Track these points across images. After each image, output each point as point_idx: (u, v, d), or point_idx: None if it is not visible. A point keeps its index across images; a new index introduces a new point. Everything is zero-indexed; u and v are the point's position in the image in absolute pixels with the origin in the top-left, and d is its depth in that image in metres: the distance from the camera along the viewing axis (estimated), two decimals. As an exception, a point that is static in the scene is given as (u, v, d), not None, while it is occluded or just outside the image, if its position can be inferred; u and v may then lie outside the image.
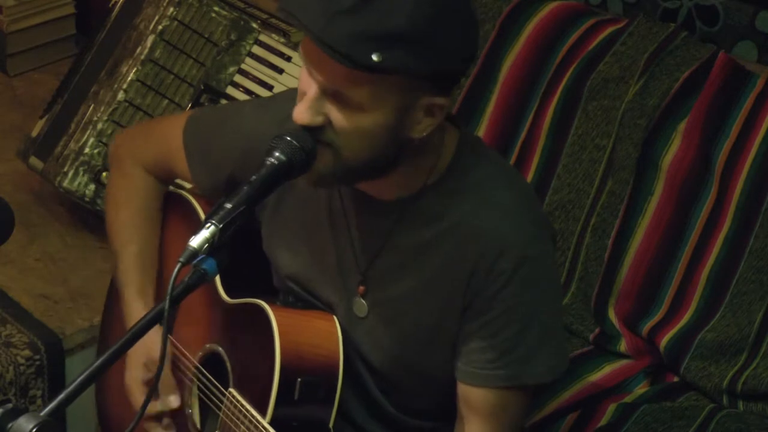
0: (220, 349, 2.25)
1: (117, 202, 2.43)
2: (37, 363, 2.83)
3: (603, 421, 2.62)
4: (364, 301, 2.17)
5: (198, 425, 2.29)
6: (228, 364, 2.22)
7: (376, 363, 2.20)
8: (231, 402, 2.16)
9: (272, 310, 2.17)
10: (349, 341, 2.19)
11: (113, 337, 2.46)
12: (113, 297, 2.49)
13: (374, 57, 1.86)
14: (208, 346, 2.28)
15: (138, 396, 2.31)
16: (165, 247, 2.43)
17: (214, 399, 2.23)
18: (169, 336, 2.32)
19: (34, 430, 1.67)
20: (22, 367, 2.81)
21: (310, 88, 1.96)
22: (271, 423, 2.09)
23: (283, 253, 2.27)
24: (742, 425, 2.57)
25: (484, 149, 2.17)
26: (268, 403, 2.11)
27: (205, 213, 2.34)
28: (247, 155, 2.20)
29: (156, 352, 2.24)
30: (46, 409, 1.73)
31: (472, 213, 2.08)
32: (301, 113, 1.96)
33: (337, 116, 1.95)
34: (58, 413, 1.75)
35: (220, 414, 2.18)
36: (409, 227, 2.12)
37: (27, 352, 2.82)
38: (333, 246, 2.19)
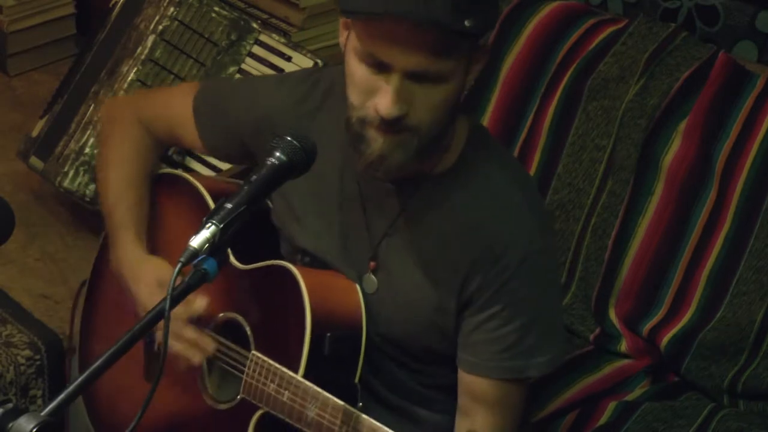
0: (237, 315, 2.26)
1: (113, 161, 2.42)
2: (38, 363, 2.83)
3: (603, 420, 2.62)
4: (374, 277, 2.21)
5: (213, 394, 2.29)
6: (248, 329, 2.23)
7: (387, 338, 2.22)
8: (257, 363, 2.16)
9: (297, 268, 2.19)
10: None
11: (98, 314, 2.48)
12: (98, 275, 2.49)
13: (467, 23, 1.95)
14: (221, 315, 2.28)
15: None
16: (165, 225, 2.42)
17: (235, 364, 2.23)
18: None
19: (35, 430, 1.67)
20: (22, 367, 2.81)
21: (387, 80, 1.99)
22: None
23: (294, 226, 2.29)
24: (742, 424, 2.58)
25: (493, 142, 2.24)
26: (299, 360, 2.12)
27: (205, 189, 2.35)
28: (260, 125, 2.24)
29: (166, 273, 2.23)
30: (47, 409, 1.73)
31: (481, 206, 2.13)
32: (392, 107, 1.99)
33: (423, 96, 2.00)
34: (58, 413, 1.75)
35: (244, 377, 2.18)
36: (420, 209, 2.15)
37: (27, 352, 2.82)
38: (346, 221, 2.22)
